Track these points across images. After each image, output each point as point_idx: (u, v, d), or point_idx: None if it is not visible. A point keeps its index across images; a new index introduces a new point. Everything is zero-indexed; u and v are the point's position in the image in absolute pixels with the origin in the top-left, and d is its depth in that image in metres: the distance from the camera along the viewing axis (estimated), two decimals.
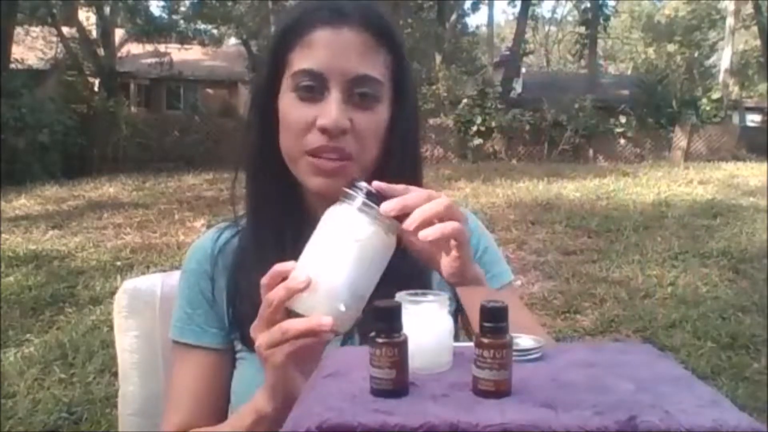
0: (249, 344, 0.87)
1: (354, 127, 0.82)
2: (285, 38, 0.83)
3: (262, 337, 0.71)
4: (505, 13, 55.32)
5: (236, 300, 0.88)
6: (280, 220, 0.88)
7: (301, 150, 0.83)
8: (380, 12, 0.87)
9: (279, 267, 0.71)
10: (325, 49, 0.81)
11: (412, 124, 0.90)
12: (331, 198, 0.84)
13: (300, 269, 0.70)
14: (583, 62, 25.54)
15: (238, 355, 0.91)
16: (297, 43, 0.82)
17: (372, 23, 0.84)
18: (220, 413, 0.91)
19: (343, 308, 0.68)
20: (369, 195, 0.69)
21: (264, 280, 0.72)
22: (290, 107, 0.83)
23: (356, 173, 0.85)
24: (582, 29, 22.98)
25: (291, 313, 0.71)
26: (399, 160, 0.87)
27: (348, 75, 0.82)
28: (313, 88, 0.82)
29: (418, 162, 0.92)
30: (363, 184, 0.70)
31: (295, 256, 0.87)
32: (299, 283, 0.68)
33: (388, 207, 0.67)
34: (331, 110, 0.80)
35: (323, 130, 0.81)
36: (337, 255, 0.69)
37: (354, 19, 0.82)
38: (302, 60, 0.82)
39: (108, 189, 9.30)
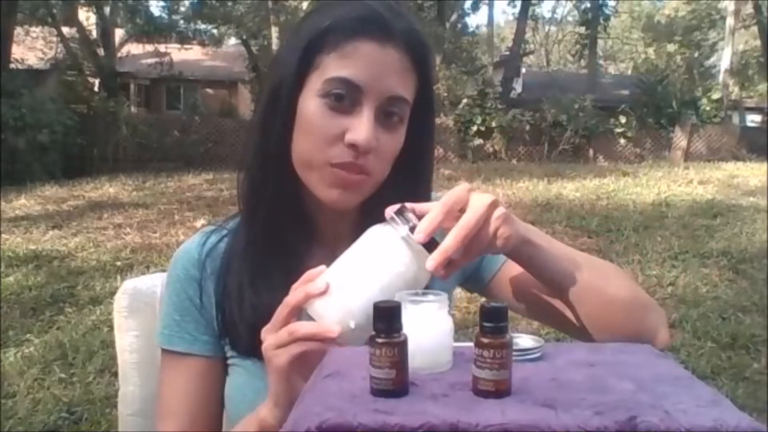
0: (239, 350, 0.87)
1: (378, 147, 0.80)
2: (322, 39, 0.79)
3: (270, 338, 0.71)
4: (505, 13, 55.47)
5: (225, 304, 0.87)
6: (277, 224, 0.86)
7: (324, 161, 0.80)
8: (422, 35, 0.85)
9: (310, 272, 0.72)
10: (367, 62, 0.78)
11: (430, 148, 0.91)
12: (340, 210, 0.85)
13: (325, 276, 0.70)
14: (583, 62, 25.55)
15: (229, 362, 0.89)
16: (335, 48, 0.79)
17: (415, 46, 0.82)
18: (215, 421, 0.90)
19: (352, 325, 0.68)
20: (414, 228, 0.69)
21: (295, 285, 0.72)
22: (317, 114, 0.80)
23: (369, 190, 0.84)
24: (582, 29, 22.98)
25: (304, 319, 0.71)
26: (416, 182, 0.88)
27: (385, 94, 0.80)
28: (345, 99, 0.79)
29: (430, 180, 0.92)
30: (411, 215, 0.69)
31: (290, 262, 0.87)
32: (317, 288, 0.69)
33: (434, 264, 0.68)
34: (364, 127, 0.78)
35: (352, 146, 0.79)
36: (366, 275, 0.69)
37: (400, 40, 0.80)
38: (340, 67, 0.78)
39: (108, 189, 9.29)
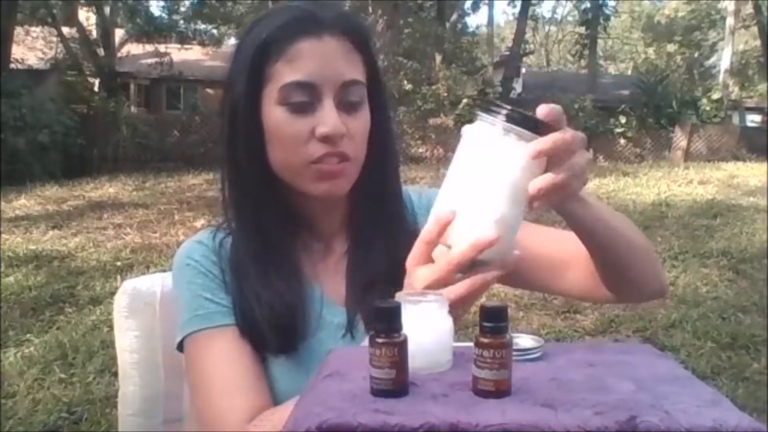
0: (268, 350, 0.86)
1: (348, 131, 0.84)
2: (266, 50, 0.83)
3: (421, 274, 0.69)
4: (505, 13, 55.39)
5: (243, 305, 0.87)
6: (273, 232, 0.89)
7: (304, 161, 0.84)
8: (354, 17, 0.90)
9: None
10: (311, 59, 0.82)
11: (390, 123, 0.94)
12: (333, 200, 0.89)
13: (445, 201, 0.67)
14: (583, 62, 25.54)
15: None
16: (280, 56, 0.82)
17: (349, 29, 0.86)
18: (268, 391, 0.86)
19: (494, 235, 0.64)
20: (510, 116, 0.63)
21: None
22: (283, 121, 0.83)
23: (354, 174, 0.87)
24: (582, 29, 22.98)
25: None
26: (384, 157, 0.91)
27: (337, 82, 0.83)
28: (304, 100, 0.82)
29: (397, 158, 0.97)
30: (504, 105, 0.64)
31: (292, 259, 0.90)
32: (445, 218, 0.66)
33: (535, 150, 0.62)
34: (330, 118, 0.82)
35: (324, 139, 0.82)
36: (485, 181, 0.64)
37: (333, 27, 0.84)
38: (290, 73, 0.82)
39: (108, 189, 9.29)
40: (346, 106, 0.84)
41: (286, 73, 0.82)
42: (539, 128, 0.63)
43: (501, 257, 0.66)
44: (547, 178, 0.64)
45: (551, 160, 0.64)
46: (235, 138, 0.86)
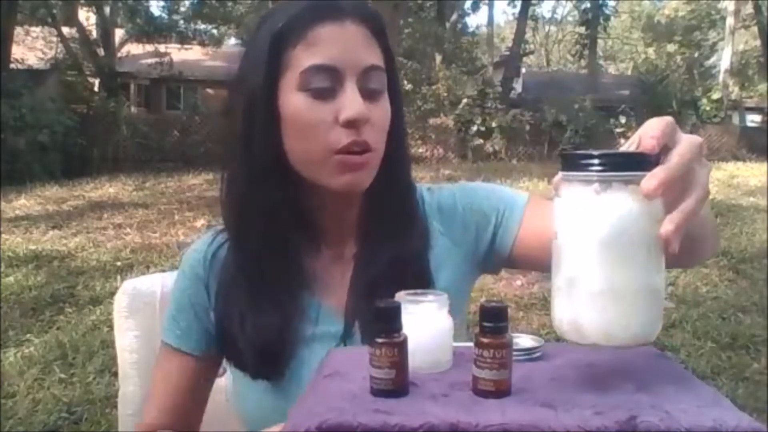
0: (248, 373, 0.86)
1: (371, 119, 0.80)
2: (284, 37, 0.80)
3: None
4: (505, 13, 55.44)
5: (226, 322, 0.86)
6: (275, 238, 0.85)
7: (328, 149, 0.79)
8: (370, 6, 0.88)
9: None
10: (333, 43, 0.79)
11: (402, 114, 0.91)
12: (355, 193, 0.84)
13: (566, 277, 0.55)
14: (583, 62, 25.53)
15: (232, 371, 0.89)
16: (299, 41, 0.79)
17: (368, 16, 0.84)
18: (195, 417, 0.93)
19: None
20: (605, 163, 0.51)
21: None
22: (304, 107, 0.79)
23: (376, 166, 0.83)
24: (582, 29, 22.99)
25: None
26: (399, 151, 0.87)
27: (359, 66, 0.80)
28: (327, 84, 0.79)
29: (408, 152, 0.94)
30: (592, 152, 0.52)
31: (292, 274, 0.86)
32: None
33: (650, 188, 0.50)
34: (354, 102, 0.78)
35: (349, 124, 0.78)
36: (588, 255, 0.53)
37: (353, 13, 0.82)
38: (310, 57, 0.79)
39: (108, 189, 9.29)
40: (367, 93, 0.80)
41: (305, 57, 0.79)
42: (645, 163, 0.52)
43: (636, 336, 0.53)
44: (676, 217, 0.52)
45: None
46: (250, 132, 0.82)
